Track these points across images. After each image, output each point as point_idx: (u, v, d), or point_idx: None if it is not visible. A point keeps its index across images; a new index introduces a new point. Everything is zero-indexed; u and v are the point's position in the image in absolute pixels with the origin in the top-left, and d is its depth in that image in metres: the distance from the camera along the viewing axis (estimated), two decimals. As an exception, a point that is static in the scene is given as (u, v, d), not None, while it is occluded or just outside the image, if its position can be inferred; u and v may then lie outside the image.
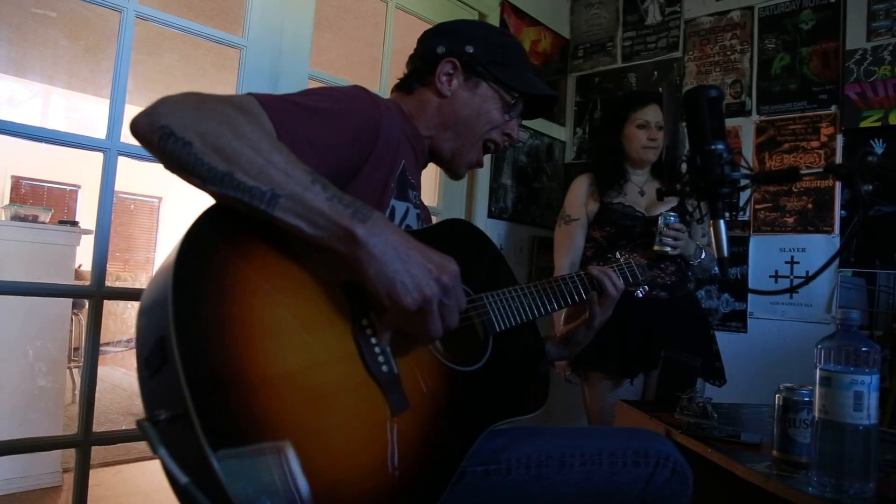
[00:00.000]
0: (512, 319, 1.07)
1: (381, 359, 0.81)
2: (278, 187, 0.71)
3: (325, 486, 0.68)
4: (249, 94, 0.85)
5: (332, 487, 0.69)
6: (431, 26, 1.25)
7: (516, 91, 1.16)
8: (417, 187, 1.16)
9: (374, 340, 0.81)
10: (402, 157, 1.06)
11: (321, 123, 0.89)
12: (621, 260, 1.29)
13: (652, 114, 2.17)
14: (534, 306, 1.11)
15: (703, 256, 2.10)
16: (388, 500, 0.74)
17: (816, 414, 0.99)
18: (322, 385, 0.74)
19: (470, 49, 1.13)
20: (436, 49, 1.15)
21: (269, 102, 0.84)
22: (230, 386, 0.65)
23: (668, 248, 2.02)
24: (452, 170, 1.22)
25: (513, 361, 1.07)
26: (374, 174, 1.00)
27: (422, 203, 1.22)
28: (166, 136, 0.71)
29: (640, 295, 1.33)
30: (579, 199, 2.26)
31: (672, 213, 2.04)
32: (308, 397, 0.71)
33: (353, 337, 0.80)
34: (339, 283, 0.81)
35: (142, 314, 0.72)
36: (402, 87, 1.21)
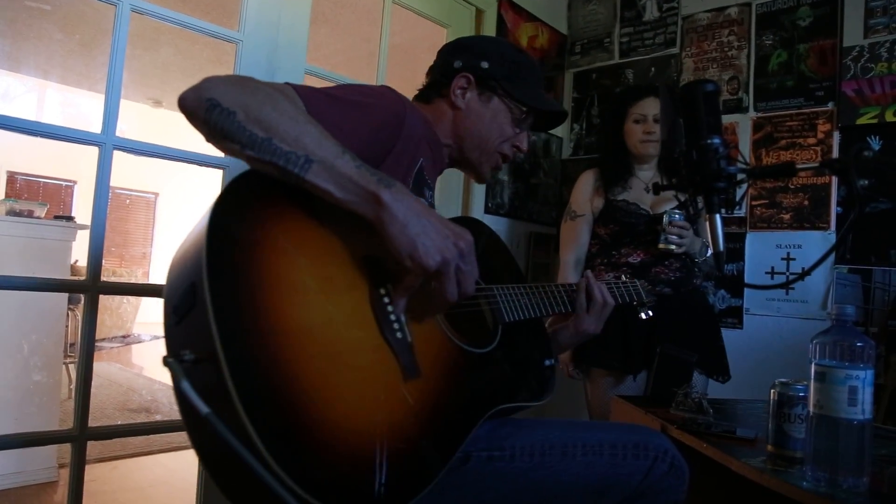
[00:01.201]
0: (521, 313, 1.12)
1: (395, 325, 0.85)
2: (312, 153, 0.78)
3: (330, 438, 0.70)
4: (286, 83, 0.91)
5: (337, 439, 0.71)
6: (449, 42, 1.32)
7: (526, 106, 1.23)
8: (432, 188, 1.20)
9: (390, 308, 0.86)
10: (421, 156, 1.12)
11: (350, 113, 0.96)
12: (627, 281, 1.35)
13: (648, 107, 2.16)
14: (542, 304, 1.18)
15: (708, 254, 2.09)
16: (390, 462, 0.75)
17: (811, 409, 0.99)
18: (338, 342, 0.78)
19: (485, 65, 1.20)
20: (453, 63, 1.22)
21: (303, 91, 0.91)
22: (254, 330, 0.69)
23: (673, 246, 2.01)
24: (476, 175, 1.30)
25: (521, 351, 1.11)
26: (395, 168, 1.04)
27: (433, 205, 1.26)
28: (212, 107, 0.78)
29: (644, 318, 1.37)
30: (585, 194, 2.25)
31: (677, 211, 2.03)
32: (325, 352, 0.75)
33: (370, 303, 0.85)
34: (361, 254, 0.86)
35: (173, 267, 0.77)
36: (421, 97, 1.27)
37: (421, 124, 1.12)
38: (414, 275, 0.82)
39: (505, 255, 1.23)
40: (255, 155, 0.78)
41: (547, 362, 1.16)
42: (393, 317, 0.85)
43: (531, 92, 1.24)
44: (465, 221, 1.18)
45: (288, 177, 0.78)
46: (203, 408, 0.61)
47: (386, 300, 0.86)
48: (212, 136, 0.80)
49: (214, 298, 0.66)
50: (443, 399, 0.88)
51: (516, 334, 1.11)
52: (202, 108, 0.78)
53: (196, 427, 0.70)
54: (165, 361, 0.66)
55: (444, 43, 1.31)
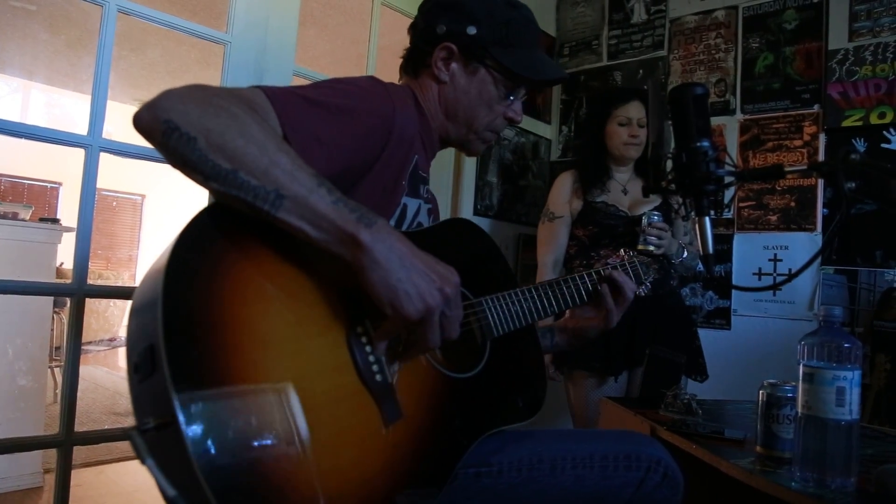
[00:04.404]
0: (511, 324, 1.05)
1: (375, 367, 0.80)
2: (283, 188, 0.70)
3: (316, 499, 0.67)
4: (258, 87, 0.83)
5: (325, 499, 0.68)
6: None
7: (518, 77, 1.11)
8: (427, 180, 1.14)
9: (368, 349, 0.80)
10: (415, 153, 1.05)
11: (331, 121, 0.87)
12: (625, 258, 1.27)
13: (633, 110, 2.17)
14: (534, 309, 1.09)
15: (684, 255, 2.11)
16: None
17: (799, 410, 1.00)
18: (314, 395, 0.72)
19: (472, 30, 1.07)
20: (436, 27, 1.09)
21: (277, 97, 0.82)
22: (220, 397, 0.64)
23: (653, 247, 2.03)
24: (466, 149, 1.20)
25: (509, 367, 1.05)
26: (385, 172, 0.98)
27: (432, 196, 1.20)
28: (170, 130, 0.69)
29: (643, 293, 1.32)
30: (563, 196, 2.26)
31: (656, 212, 2.05)
32: (299, 409, 0.70)
33: (347, 344, 0.78)
34: (335, 288, 0.79)
35: (133, 317, 0.70)
36: (408, 71, 1.16)
37: (413, 117, 1.03)
38: (393, 322, 0.76)
39: (497, 259, 1.14)
40: (219, 188, 0.70)
41: (537, 374, 1.10)
42: (372, 358, 0.80)
43: (525, 56, 1.10)
44: (456, 223, 1.11)
45: (257, 213, 0.71)
46: (170, 491, 0.58)
47: (364, 340, 0.80)
48: (172, 162, 0.71)
49: (173, 369, 0.60)
50: (427, 436, 0.84)
51: (506, 348, 1.05)
52: (158, 130, 0.69)
53: (166, 501, 0.66)
54: (128, 435, 0.60)
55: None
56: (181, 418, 0.59)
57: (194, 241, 0.69)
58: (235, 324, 0.68)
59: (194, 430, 0.60)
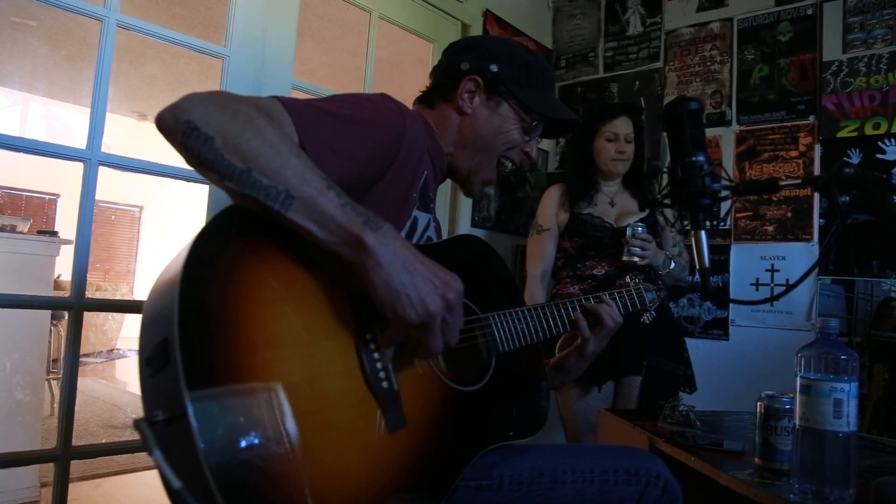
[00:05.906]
0: (516, 341, 1.06)
1: (382, 374, 0.81)
2: (293, 189, 0.73)
3: (318, 502, 0.68)
4: (275, 97, 0.86)
5: (328, 501, 0.69)
6: (457, 40, 1.26)
7: (537, 114, 1.16)
8: (434, 200, 1.16)
9: (376, 355, 0.81)
10: (425, 169, 1.07)
11: (345, 130, 0.90)
12: (631, 285, 1.28)
13: (621, 126, 2.19)
14: (540, 329, 1.11)
15: (672, 266, 2.12)
16: None
17: (797, 421, 1.00)
18: (321, 399, 0.73)
19: (494, 68, 1.13)
20: (460, 65, 1.15)
21: (293, 107, 0.85)
22: (230, 394, 0.65)
23: (637, 258, 2.05)
24: (468, 187, 1.23)
25: (514, 383, 1.06)
26: (395, 184, 1.00)
27: (436, 218, 1.21)
28: (189, 130, 0.72)
29: (647, 321, 1.34)
30: (550, 209, 2.29)
31: (640, 224, 2.07)
32: (305, 412, 0.71)
33: (356, 350, 0.80)
34: (346, 293, 0.81)
35: (147, 312, 0.72)
36: (425, 101, 1.21)
37: (422, 135, 1.06)
38: (396, 327, 0.78)
39: (505, 276, 1.16)
40: (233, 187, 0.73)
41: (541, 391, 1.11)
42: (380, 364, 0.81)
43: (543, 98, 1.16)
44: (466, 239, 1.12)
45: (268, 212, 0.73)
46: (175, 482, 0.58)
47: (372, 346, 0.81)
48: (190, 161, 0.75)
49: (186, 361, 0.61)
50: (430, 446, 0.85)
51: (511, 364, 1.06)
52: (179, 130, 0.73)
53: (170, 494, 0.66)
54: (137, 424, 0.62)
55: (451, 42, 1.25)
56: (191, 412, 0.60)
57: (212, 240, 0.72)
58: (248, 323, 0.70)
59: (203, 424, 0.61)
